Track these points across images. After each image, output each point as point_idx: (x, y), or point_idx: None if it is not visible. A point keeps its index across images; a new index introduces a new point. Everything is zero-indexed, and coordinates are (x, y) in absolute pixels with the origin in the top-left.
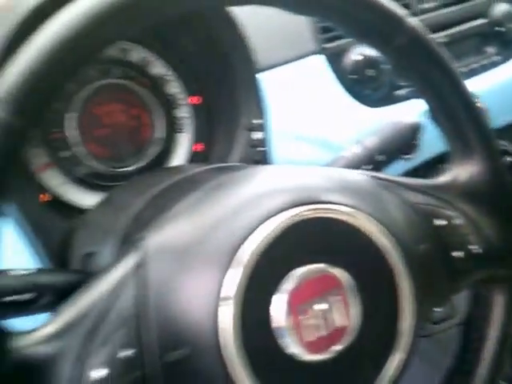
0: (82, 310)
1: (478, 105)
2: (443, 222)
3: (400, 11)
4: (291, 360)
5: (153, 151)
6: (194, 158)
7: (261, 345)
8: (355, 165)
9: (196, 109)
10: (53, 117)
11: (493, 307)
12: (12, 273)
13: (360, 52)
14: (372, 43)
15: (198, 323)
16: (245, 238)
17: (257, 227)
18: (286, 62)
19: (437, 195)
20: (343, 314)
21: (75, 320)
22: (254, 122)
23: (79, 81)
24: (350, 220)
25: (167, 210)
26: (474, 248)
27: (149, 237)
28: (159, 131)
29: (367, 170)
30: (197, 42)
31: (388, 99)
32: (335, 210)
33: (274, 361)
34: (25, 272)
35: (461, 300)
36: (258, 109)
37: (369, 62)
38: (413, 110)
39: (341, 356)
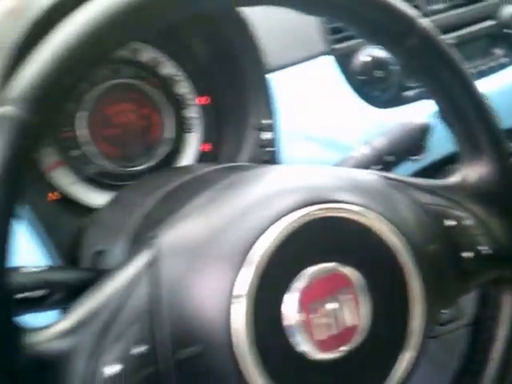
0: (96, 307)
1: (489, 105)
2: (453, 223)
3: (412, 12)
4: (302, 358)
5: (162, 151)
6: (202, 157)
7: (272, 343)
8: (364, 165)
9: (204, 109)
10: (63, 116)
11: (502, 307)
12: (24, 270)
13: (369, 53)
14: (383, 44)
15: (211, 321)
16: (257, 237)
17: (269, 227)
18: (296, 63)
19: (446, 196)
20: (354, 313)
21: (89, 316)
22: (263, 122)
23: (90, 80)
24: (361, 219)
25: (178, 209)
26: (484, 249)
27: (161, 235)
28: (168, 131)
29: (376, 170)
30: (207, 42)
31: (396, 100)
32: (346, 209)
33: (286, 359)
34: (37, 269)
35: (467, 301)
36: (268, 109)
37: (377, 63)
38: (421, 112)
39: (351, 355)
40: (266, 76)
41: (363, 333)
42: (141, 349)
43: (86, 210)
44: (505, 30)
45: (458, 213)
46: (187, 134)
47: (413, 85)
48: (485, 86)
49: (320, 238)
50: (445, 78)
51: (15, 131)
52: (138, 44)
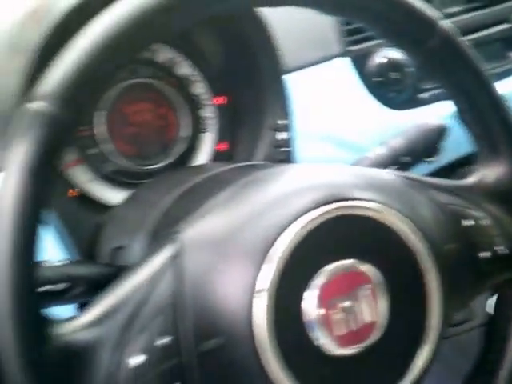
0: (121, 300)
1: (507, 106)
2: (471, 223)
3: (433, 13)
4: (321, 353)
5: (178, 150)
6: (217, 157)
7: (292, 337)
8: (379, 166)
9: (220, 109)
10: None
11: None
12: (46, 264)
13: (384, 55)
14: (403, 44)
15: (233, 314)
16: (278, 234)
17: (290, 224)
18: (312, 64)
19: (464, 196)
20: (372, 309)
21: (114, 309)
22: (280, 122)
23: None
24: (380, 217)
25: (197, 206)
26: (500, 249)
27: (185, 230)
28: (185, 130)
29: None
30: (224, 42)
31: (412, 102)
32: (365, 207)
33: (305, 354)
34: (59, 263)
35: (479, 302)
36: (284, 109)
37: (393, 65)
38: (436, 114)
39: (369, 351)
40: (283, 77)
41: (381, 329)
42: (164, 340)
43: (104, 207)
44: None
45: (475, 213)
46: (203, 134)
47: (428, 87)
48: (500, 89)
49: (339, 236)
50: (464, 79)
51: (47, 126)
52: (156, 44)
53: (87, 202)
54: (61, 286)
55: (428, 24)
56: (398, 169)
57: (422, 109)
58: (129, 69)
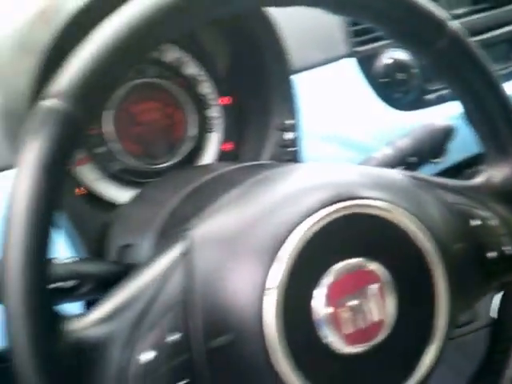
0: (131, 296)
1: None
2: (478, 223)
3: (442, 14)
4: (330, 352)
5: (185, 149)
6: (223, 157)
7: (301, 335)
8: (386, 166)
9: (226, 109)
10: None
11: None
12: (56, 261)
13: (391, 56)
14: (412, 45)
15: (243, 311)
16: (288, 233)
17: (300, 223)
18: (319, 65)
19: (472, 196)
20: (380, 308)
21: (125, 305)
22: (287, 122)
23: None
24: (389, 216)
25: (206, 205)
26: (508, 249)
27: (195, 227)
28: (191, 130)
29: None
30: (232, 42)
31: (418, 103)
32: (375, 206)
33: (314, 352)
34: (68, 260)
35: (483, 303)
36: (291, 109)
37: (399, 66)
38: (442, 115)
39: (377, 349)
40: (290, 77)
41: (389, 328)
42: (174, 337)
43: (111, 206)
44: None
45: (482, 213)
46: (209, 134)
47: (434, 88)
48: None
49: (348, 234)
50: (473, 79)
51: (61, 124)
52: (164, 44)
53: (94, 200)
54: (70, 284)
55: (437, 25)
56: (405, 169)
57: (428, 110)
58: (136, 68)
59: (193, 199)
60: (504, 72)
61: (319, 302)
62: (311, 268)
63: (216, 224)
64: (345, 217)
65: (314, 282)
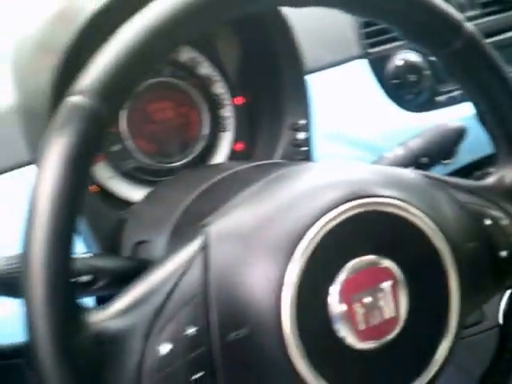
0: (150, 289)
1: None
2: (490, 222)
3: (459, 15)
4: (344, 347)
5: (197, 148)
6: (234, 156)
7: (316, 331)
8: (398, 166)
9: (238, 109)
10: None
11: None
12: (73, 256)
13: (402, 57)
14: (428, 45)
15: (260, 305)
16: (305, 230)
17: (316, 220)
18: (331, 66)
19: (484, 195)
20: (394, 305)
21: (144, 298)
22: (299, 122)
23: None
24: (403, 214)
25: (222, 202)
26: None
27: (212, 223)
28: (204, 129)
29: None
30: (246, 42)
31: (429, 105)
32: (388, 203)
33: (328, 347)
34: (84, 255)
35: (490, 304)
36: (304, 109)
37: (411, 68)
38: (453, 116)
39: (389, 346)
40: (304, 77)
41: (402, 325)
42: (191, 330)
43: (125, 204)
44: None
45: (494, 212)
46: (222, 133)
47: (445, 90)
48: None
49: (363, 232)
50: (488, 80)
51: (87, 120)
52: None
53: (108, 198)
54: (85, 278)
55: (454, 25)
56: (416, 169)
57: (439, 111)
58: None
59: (207, 197)
60: None
61: (334, 298)
62: (327, 264)
63: (233, 220)
64: (360, 214)
65: (329, 279)
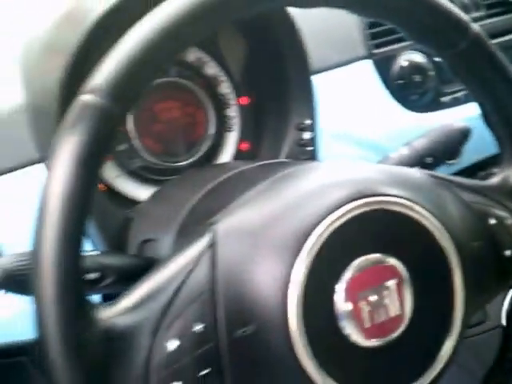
0: (158, 286)
1: None
2: (495, 222)
3: (465, 16)
4: (350, 345)
5: (203, 148)
6: (239, 156)
7: (323, 328)
8: (402, 166)
9: (244, 109)
10: None
11: None
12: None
13: (407, 58)
14: (434, 46)
15: (267, 302)
16: (312, 229)
17: (323, 218)
18: (337, 66)
19: (488, 195)
20: (399, 303)
21: (152, 295)
22: (305, 122)
23: None
24: (409, 213)
25: (229, 200)
26: None
27: (220, 221)
28: (210, 129)
29: None
30: (251, 42)
31: (433, 105)
32: (394, 202)
33: (334, 345)
34: (92, 253)
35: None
36: (309, 109)
37: (415, 68)
38: (458, 116)
39: (394, 344)
40: (310, 77)
41: (407, 323)
42: (199, 327)
43: (131, 202)
44: None
45: (499, 212)
46: (228, 133)
47: (450, 90)
48: None
49: (369, 230)
50: (493, 81)
51: (98, 119)
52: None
53: (114, 196)
54: (92, 276)
55: (461, 26)
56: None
57: (444, 112)
58: None
59: (213, 196)
60: None
61: (340, 296)
62: (333, 263)
63: (240, 218)
64: (366, 213)
65: (335, 277)
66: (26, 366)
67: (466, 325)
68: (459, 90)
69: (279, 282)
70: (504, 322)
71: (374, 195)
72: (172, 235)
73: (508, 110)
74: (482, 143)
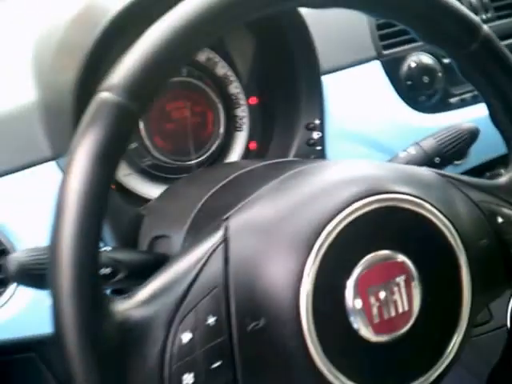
0: (172, 279)
1: None
2: (502, 220)
3: (476, 18)
4: (359, 340)
5: (213, 147)
6: (248, 155)
7: (333, 323)
8: (411, 165)
9: (253, 109)
10: None
11: None
12: None
13: (416, 59)
14: (444, 47)
15: (278, 297)
16: (324, 225)
17: (334, 215)
18: (347, 67)
19: (495, 194)
20: (408, 299)
21: (166, 287)
22: (314, 121)
23: None
24: (418, 210)
25: (241, 198)
26: None
27: (232, 217)
28: (220, 128)
29: None
30: (262, 43)
31: (441, 106)
32: (404, 200)
33: (344, 340)
34: (105, 248)
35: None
36: (318, 109)
37: (424, 69)
38: (466, 117)
39: (403, 340)
40: (319, 77)
41: (415, 319)
42: (211, 320)
43: (141, 200)
44: None
45: (506, 211)
46: (237, 132)
47: (458, 92)
48: None
49: (379, 227)
50: (503, 82)
51: (116, 116)
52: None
53: (126, 194)
54: (106, 271)
55: (472, 27)
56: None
57: (452, 113)
58: None
59: (224, 193)
60: None
61: (350, 292)
62: (344, 259)
63: (253, 214)
64: (376, 210)
65: (346, 272)
66: (35, 362)
67: (472, 322)
68: (467, 92)
69: (291, 277)
70: (509, 322)
71: (384, 193)
72: (183, 232)
73: None
74: (489, 144)
